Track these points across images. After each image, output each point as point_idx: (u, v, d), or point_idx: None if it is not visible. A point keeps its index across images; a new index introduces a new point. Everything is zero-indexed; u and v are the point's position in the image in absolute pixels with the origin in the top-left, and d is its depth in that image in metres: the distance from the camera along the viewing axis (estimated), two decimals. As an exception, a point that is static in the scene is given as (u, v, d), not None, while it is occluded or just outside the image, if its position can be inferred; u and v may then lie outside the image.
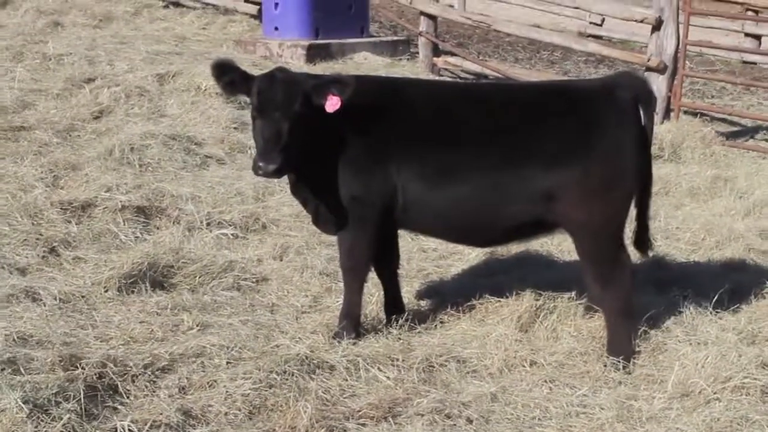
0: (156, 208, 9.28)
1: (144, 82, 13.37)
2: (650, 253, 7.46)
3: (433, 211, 6.91)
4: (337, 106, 6.65)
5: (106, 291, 7.67)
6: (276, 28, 17.52)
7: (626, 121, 6.81)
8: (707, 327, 7.24)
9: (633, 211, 7.05)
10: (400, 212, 6.95)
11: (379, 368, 6.63)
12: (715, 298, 7.66)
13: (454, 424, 6.05)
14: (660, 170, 11.88)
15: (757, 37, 24.44)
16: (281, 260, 8.61)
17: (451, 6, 22.13)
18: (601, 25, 25.31)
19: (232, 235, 9.06)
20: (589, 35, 23.83)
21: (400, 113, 6.94)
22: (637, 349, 6.95)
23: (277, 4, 17.52)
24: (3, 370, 6.11)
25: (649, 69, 14.70)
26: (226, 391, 6.16)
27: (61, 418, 5.65)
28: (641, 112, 6.84)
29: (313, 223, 7.37)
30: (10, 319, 6.93)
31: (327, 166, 6.90)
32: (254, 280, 8.20)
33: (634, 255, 7.19)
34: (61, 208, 8.98)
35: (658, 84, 14.44)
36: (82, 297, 7.58)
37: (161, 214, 9.23)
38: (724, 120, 16.91)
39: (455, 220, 6.95)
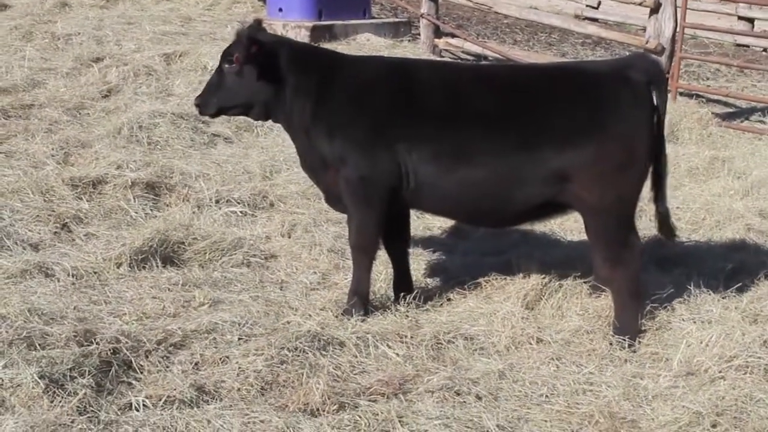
0: (166, 185, 9.35)
1: (151, 62, 13.46)
2: (675, 239, 7.51)
3: (445, 192, 6.92)
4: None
5: (118, 267, 7.73)
6: (280, 10, 17.51)
7: (639, 102, 6.79)
8: (711, 306, 7.28)
9: (650, 194, 7.06)
10: (411, 192, 6.97)
11: (388, 345, 6.69)
12: (721, 277, 7.77)
13: (464, 401, 6.09)
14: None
15: (750, 20, 24.49)
16: (289, 237, 8.66)
17: (453, -13, 22.11)
18: (597, 8, 25.36)
19: (240, 212, 9.10)
20: (585, 18, 23.88)
21: (410, 94, 6.96)
22: (643, 327, 6.99)
23: (281, -14, 17.57)
24: (19, 345, 6.16)
25: (647, 51, 14.73)
26: (239, 367, 6.22)
27: (77, 393, 5.73)
28: (654, 94, 6.83)
29: (325, 201, 7.48)
30: (25, 294, 7.01)
31: (336, 144, 6.98)
32: (263, 256, 8.26)
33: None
34: (72, 185, 9.05)
35: (656, 66, 14.46)
36: (95, 273, 7.64)
37: (171, 191, 9.29)
38: (719, 101, 16.97)
39: (467, 201, 6.96)
